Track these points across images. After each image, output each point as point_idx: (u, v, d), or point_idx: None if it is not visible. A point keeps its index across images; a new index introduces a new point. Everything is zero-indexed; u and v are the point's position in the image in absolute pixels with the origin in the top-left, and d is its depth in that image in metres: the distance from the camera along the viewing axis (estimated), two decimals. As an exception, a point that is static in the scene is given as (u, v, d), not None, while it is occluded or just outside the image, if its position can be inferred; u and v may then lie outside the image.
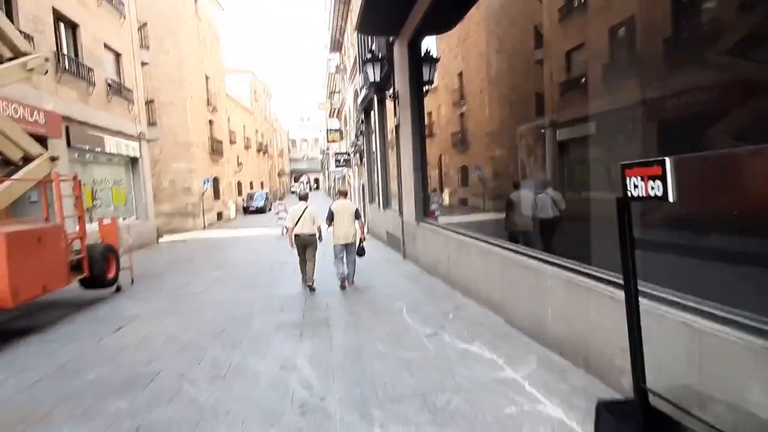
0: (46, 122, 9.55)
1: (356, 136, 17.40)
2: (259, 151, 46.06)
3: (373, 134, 14.43)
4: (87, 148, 12.06)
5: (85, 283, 6.78)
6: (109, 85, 13.38)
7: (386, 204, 12.10)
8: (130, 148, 14.84)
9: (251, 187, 41.17)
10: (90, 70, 12.12)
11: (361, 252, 7.27)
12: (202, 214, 24.01)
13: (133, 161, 15.37)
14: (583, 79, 4.19)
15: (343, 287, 6.96)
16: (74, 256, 6.42)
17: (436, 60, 7.98)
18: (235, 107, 36.80)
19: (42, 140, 9.70)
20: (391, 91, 9.37)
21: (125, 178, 14.97)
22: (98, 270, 6.72)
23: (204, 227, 24.01)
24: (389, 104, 11.17)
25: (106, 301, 6.99)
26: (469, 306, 5.39)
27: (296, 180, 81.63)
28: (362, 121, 15.46)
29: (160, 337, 4.90)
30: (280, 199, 47.04)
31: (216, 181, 27.26)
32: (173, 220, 23.25)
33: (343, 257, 7.07)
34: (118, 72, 14.55)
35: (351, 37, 19.18)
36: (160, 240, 17.09)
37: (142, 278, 8.93)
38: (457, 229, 6.14)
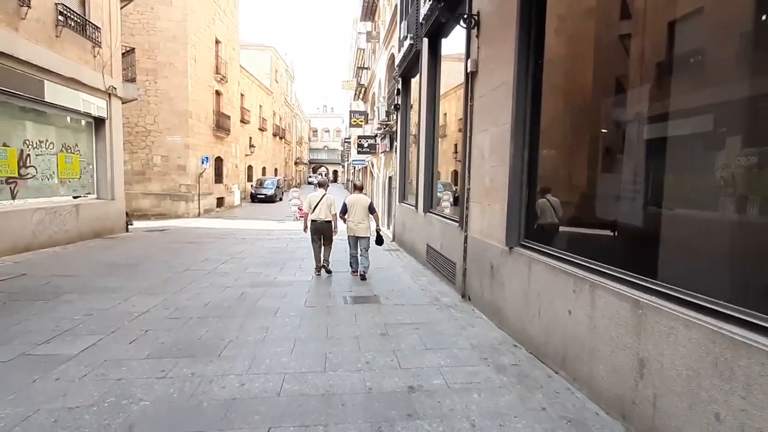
0: None
1: (387, 114, 13.54)
2: (275, 135, 42.65)
3: (412, 107, 10.57)
4: (10, 91, 8.46)
5: None
6: (63, 14, 9.77)
7: (429, 205, 8.22)
8: (92, 105, 11.26)
9: (263, 173, 37.78)
10: (24, -18, 8.52)
11: (379, 241, 7.30)
12: (197, 198, 20.49)
13: (98, 123, 11.80)
14: (699, 57, 2.59)
15: (354, 273, 7.15)
16: None
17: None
18: (251, 84, 33.33)
19: None
20: (465, 16, 5.46)
21: (83, 144, 11.40)
22: None
23: (199, 214, 20.52)
24: (450, 52, 7.33)
25: None
26: None
27: (314, 171, 78.53)
28: (398, 92, 11.59)
29: None
30: (297, 186, 43.63)
31: (219, 162, 23.74)
32: (163, 202, 19.85)
33: (357, 252, 7.11)
34: (83, 2, 10.96)
35: (389, -7, 15.32)
36: (131, 227, 13.56)
37: (17, 299, 5.25)
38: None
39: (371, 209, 7.10)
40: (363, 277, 6.93)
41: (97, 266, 7.56)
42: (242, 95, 30.33)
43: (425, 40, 8.20)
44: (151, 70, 19.24)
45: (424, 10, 7.47)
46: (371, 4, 19.23)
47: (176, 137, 19.59)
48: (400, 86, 11.42)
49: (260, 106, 36.36)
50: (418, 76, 9.11)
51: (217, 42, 22.96)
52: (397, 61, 11.05)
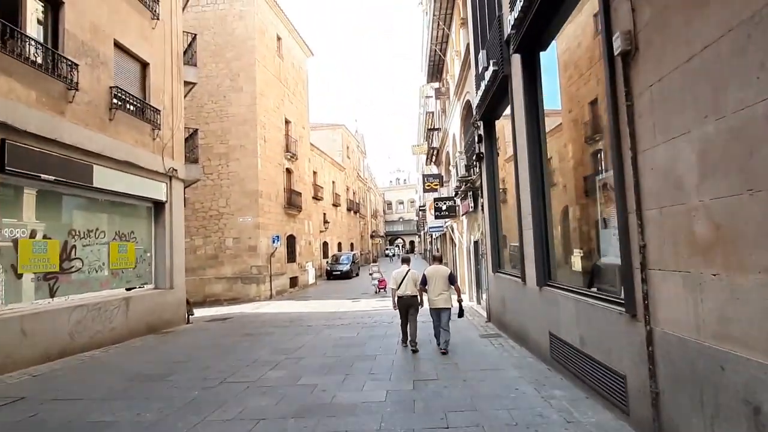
0: None
1: (467, 167, 11.55)
2: (349, 209, 42.41)
3: (498, 154, 8.49)
4: (50, 179, 7.72)
5: None
6: (117, 97, 9.36)
7: (547, 275, 5.75)
8: (151, 188, 10.58)
9: (339, 249, 36.96)
10: (72, 66, 8.09)
11: (460, 314, 7.16)
12: (269, 279, 19.43)
13: (157, 207, 11.09)
14: None
15: (444, 353, 6.69)
16: None
17: None
18: (323, 161, 33.65)
19: None
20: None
21: (141, 230, 10.61)
22: None
23: (271, 296, 19.34)
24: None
25: None
26: None
27: (391, 243, 77.70)
28: (479, 139, 9.64)
29: None
30: (374, 261, 42.36)
31: (291, 240, 22.94)
32: (234, 286, 18.99)
33: (438, 323, 6.93)
34: (143, 86, 10.70)
35: (456, 43, 14.04)
36: (192, 317, 12.33)
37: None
38: None
39: (452, 280, 7.07)
40: (445, 352, 6.74)
41: (117, 381, 5.93)
42: (314, 172, 30.41)
43: (516, 59, 6.28)
44: (223, 154, 19.40)
45: (512, 17, 5.62)
46: (437, 62, 18.21)
47: (247, 218, 19.09)
48: (481, 131, 9.48)
49: (333, 182, 36.46)
50: (508, 109, 7.11)
51: (287, 122, 23.18)
52: (475, 102, 9.22)
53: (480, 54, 8.22)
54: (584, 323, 4.35)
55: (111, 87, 9.23)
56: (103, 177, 8.95)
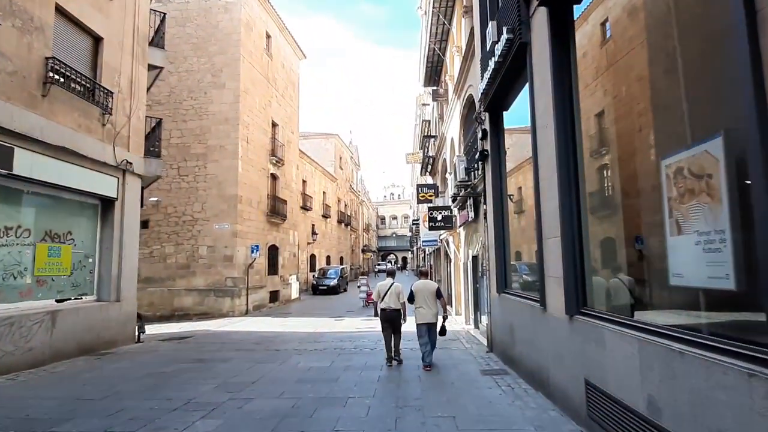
0: None
1: (467, 171, 10.07)
2: (340, 222, 40.82)
3: (506, 152, 7.02)
4: (-53, 159, 6.13)
5: None
6: (56, 71, 7.85)
7: (581, 301, 4.18)
8: (97, 182, 9.00)
9: (327, 262, 35.27)
10: (-9, 24, 6.59)
11: (442, 331, 7.11)
12: (245, 293, 17.69)
13: (106, 205, 9.48)
14: None
15: (426, 368, 6.70)
16: None
17: None
18: (314, 170, 32.21)
19: None
20: None
21: (82, 231, 8.97)
22: None
23: (246, 312, 17.58)
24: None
25: None
26: None
27: (383, 258, 75.89)
28: (483, 135, 8.18)
29: None
30: (363, 274, 40.68)
31: (273, 251, 21.26)
32: (207, 299, 17.24)
33: (427, 339, 6.86)
34: (94, 64, 9.20)
35: (457, 38, 12.74)
36: (144, 334, 10.59)
37: None
38: None
39: (438, 294, 7.10)
40: (429, 365, 6.72)
41: (-18, 431, 4.26)
42: (304, 181, 28.93)
43: (539, 18, 4.85)
44: (201, 154, 17.86)
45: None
46: (435, 63, 16.92)
47: (224, 225, 17.43)
48: (487, 126, 8.03)
49: (323, 192, 34.95)
50: (525, 88, 5.67)
51: (274, 124, 21.71)
52: (480, 91, 7.78)
53: (489, 27, 6.79)
54: (659, 380, 2.79)
55: (47, 58, 7.72)
56: (29, 164, 7.37)
